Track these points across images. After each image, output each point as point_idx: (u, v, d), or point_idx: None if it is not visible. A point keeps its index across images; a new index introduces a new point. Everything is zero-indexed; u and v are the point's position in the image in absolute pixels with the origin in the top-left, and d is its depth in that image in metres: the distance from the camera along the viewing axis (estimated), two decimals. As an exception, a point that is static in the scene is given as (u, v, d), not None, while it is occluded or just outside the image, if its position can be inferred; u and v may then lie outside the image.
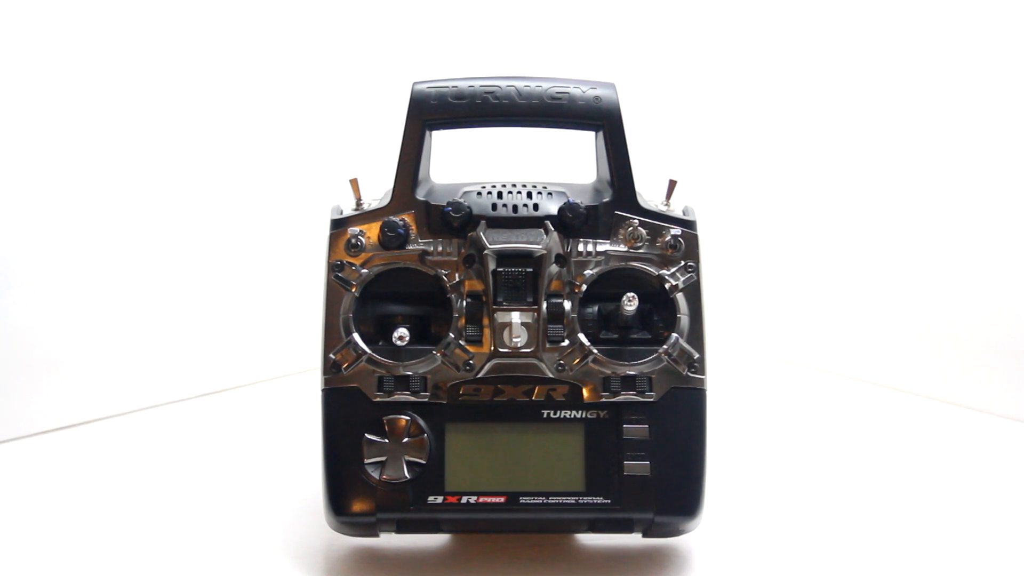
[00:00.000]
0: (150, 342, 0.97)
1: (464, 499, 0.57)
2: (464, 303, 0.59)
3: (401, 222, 0.60)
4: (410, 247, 0.60)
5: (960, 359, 0.96)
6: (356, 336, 0.59)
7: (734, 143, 1.22)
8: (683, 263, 0.60)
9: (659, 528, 0.58)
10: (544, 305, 0.58)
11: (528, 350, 0.58)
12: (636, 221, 0.61)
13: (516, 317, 0.58)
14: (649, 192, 0.63)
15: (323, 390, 0.59)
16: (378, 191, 0.63)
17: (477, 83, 0.62)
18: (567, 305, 0.59)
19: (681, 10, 1.24)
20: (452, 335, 0.59)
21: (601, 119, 0.61)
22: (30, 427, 0.88)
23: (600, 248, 0.60)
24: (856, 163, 1.07)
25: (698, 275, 0.60)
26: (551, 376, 0.58)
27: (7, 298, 0.85)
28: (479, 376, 0.58)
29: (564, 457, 0.58)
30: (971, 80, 0.94)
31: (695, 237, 0.61)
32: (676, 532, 0.59)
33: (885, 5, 1.02)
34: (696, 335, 0.59)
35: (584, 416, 0.58)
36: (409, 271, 0.60)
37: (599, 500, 0.57)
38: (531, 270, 0.58)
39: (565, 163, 0.76)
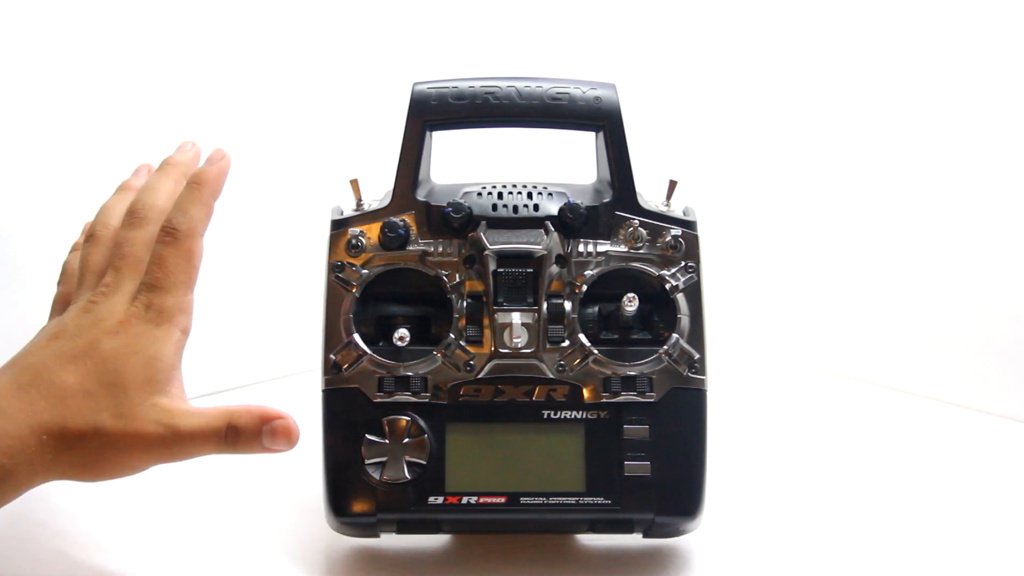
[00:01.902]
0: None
1: (465, 499, 0.57)
2: (464, 304, 0.59)
3: (401, 223, 0.60)
4: (410, 248, 0.60)
5: (960, 359, 0.96)
6: (356, 337, 0.59)
7: (734, 143, 1.22)
8: (683, 263, 0.60)
9: (660, 529, 0.58)
10: (544, 306, 0.58)
11: (528, 351, 0.58)
12: (636, 221, 0.61)
13: (516, 318, 0.58)
14: (649, 192, 0.63)
15: (323, 391, 0.59)
16: (378, 191, 0.63)
17: (477, 84, 0.62)
18: (567, 306, 0.59)
19: (681, 10, 1.24)
20: (452, 336, 0.59)
21: (601, 119, 0.61)
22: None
23: (600, 248, 0.60)
24: (856, 163, 1.07)
25: (699, 275, 0.60)
26: (551, 376, 0.58)
27: (9, 298, 0.85)
28: (479, 377, 0.58)
29: (564, 457, 0.58)
30: (971, 80, 0.94)
31: (695, 237, 0.61)
32: (677, 533, 0.59)
33: (885, 5, 1.02)
34: (696, 335, 0.59)
35: (584, 416, 0.58)
36: (409, 272, 0.60)
37: (599, 501, 0.57)
38: (531, 271, 0.58)
39: (565, 163, 0.76)
